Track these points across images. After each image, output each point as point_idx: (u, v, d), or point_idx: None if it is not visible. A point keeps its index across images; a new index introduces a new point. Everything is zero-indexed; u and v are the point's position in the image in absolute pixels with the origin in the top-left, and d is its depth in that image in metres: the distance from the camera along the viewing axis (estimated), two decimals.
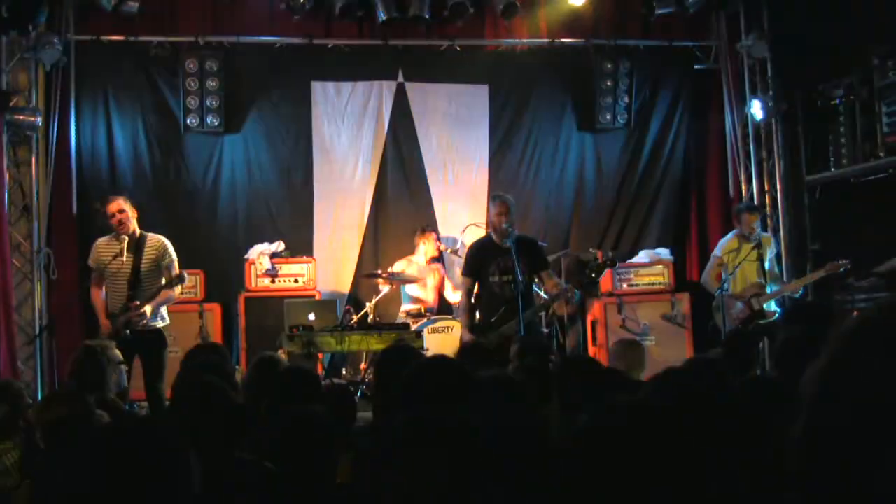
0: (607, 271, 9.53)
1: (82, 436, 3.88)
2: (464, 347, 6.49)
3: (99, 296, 7.57)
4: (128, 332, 7.26)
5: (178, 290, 7.69)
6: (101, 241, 7.70)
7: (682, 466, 1.97)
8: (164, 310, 7.62)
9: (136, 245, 7.54)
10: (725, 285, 8.63)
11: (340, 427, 4.05)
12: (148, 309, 7.37)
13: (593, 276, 7.73)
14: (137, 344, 7.29)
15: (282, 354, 7.24)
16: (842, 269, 8.43)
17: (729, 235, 9.08)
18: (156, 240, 7.64)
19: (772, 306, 8.74)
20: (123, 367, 5.71)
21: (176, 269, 7.63)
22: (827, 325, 4.63)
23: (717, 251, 9.08)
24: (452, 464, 2.28)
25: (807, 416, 1.08)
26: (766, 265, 8.84)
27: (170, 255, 7.63)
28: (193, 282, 9.31)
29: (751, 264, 8.75)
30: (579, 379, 3.91)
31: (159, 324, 7.55)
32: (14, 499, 3.83)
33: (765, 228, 10.04)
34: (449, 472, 2.27)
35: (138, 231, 7.61)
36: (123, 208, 7.52)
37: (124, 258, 7.47)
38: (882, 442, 1.00)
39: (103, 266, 7.54)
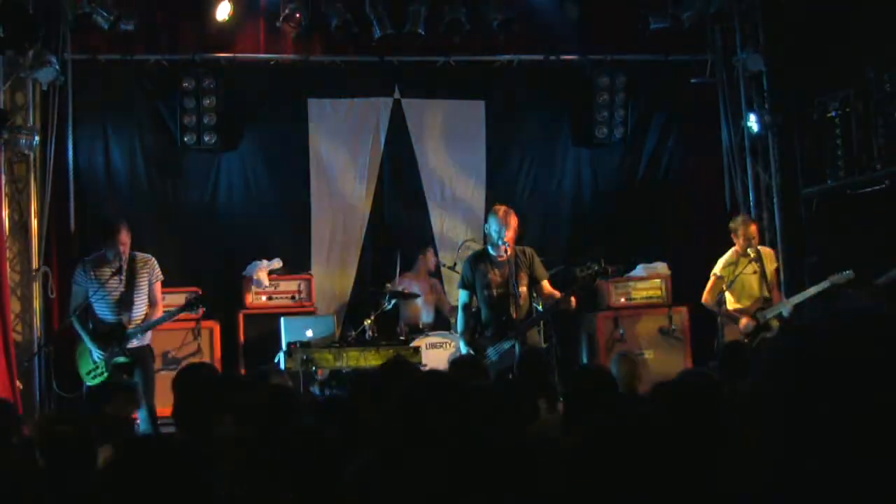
0: (606, 285, 9.55)
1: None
2: (455, 361, 6.42)
3: (83, 323, 7.75)
4: (122, 357, 7.50)
5: (161, 309, 7.93)
6: (92, 261, 7.84)
7: (680, 476, 1.97)
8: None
9: (130, 267, 7.71)
10: (723, 297, 8.56)
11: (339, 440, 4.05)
12: (138, 331, 7.64)
13: (593, 278, 7.68)
14: (132, 362, 7.59)
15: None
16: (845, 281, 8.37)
17: (726, 254, 8.94)
18: (145, 259, 7.86)
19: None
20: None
21: (159, 291, 7.90)
22: None
23: (716, 270, 8.78)
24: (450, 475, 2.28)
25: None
26: (768, 278, 8.73)
27: (157, 273, 7.90)
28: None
29: (749, 277, 8.64)
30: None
31: (146, 341, 7.82)
32: None
33: (762, 241, 10.01)
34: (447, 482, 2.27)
35: (127, 253, 7.78)
36: (127, 239, 7.71)
37: (120, 277, 7.61)
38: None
39: (98, 285, 7.63)
